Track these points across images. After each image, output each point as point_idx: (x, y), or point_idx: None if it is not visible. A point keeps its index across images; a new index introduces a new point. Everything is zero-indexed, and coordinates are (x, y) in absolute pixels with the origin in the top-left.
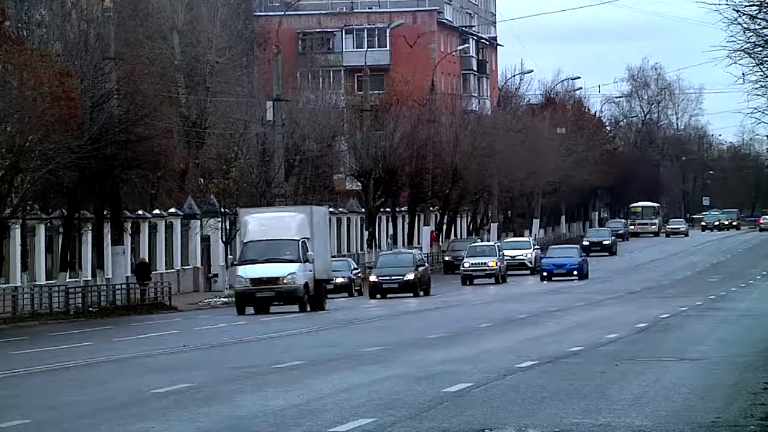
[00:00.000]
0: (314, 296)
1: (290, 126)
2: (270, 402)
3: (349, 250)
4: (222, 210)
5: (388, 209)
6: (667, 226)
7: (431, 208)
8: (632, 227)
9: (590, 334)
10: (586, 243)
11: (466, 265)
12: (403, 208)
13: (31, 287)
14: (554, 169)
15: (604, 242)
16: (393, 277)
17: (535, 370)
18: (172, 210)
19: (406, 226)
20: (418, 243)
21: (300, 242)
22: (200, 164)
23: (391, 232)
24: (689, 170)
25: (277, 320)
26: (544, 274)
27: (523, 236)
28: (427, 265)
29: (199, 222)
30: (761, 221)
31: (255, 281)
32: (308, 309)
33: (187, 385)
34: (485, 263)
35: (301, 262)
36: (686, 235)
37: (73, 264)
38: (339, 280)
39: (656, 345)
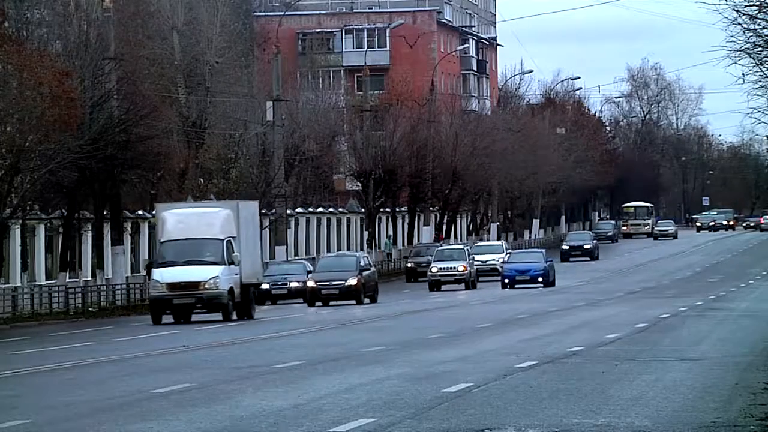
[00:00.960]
0: (241, 303)
1: (290, 126)
2: (269, 402)
3: (349, 251)
4: None
5: (387, 209)
6: (655, 228)
7: (431, 208)
8: (624, 228)
9: (590, 334)
10: (565, 247)
11: (434, 269)
12: (402, 208)
13: (31, 287)
14: (554, 169)
15: (584, 246)
16: (333, 283)
17: (535, 370)
18: None
19: (406, 226)
20: (419, 243)
21: (224, 242)
22: (200, 164)
23: (390, 232)
24: (689, 170)
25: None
26: (506, 281)
27: (522, 237)
28: (374, 268)
29: None
30: (762, 221)
31: (172, 286)
32: (234, 317)
33: (187, 385)
34: (454, 268)
35: (225, 264)
36: (675, 237)
37: (73, 264)
38: (293, 284)
39: (656, 345)
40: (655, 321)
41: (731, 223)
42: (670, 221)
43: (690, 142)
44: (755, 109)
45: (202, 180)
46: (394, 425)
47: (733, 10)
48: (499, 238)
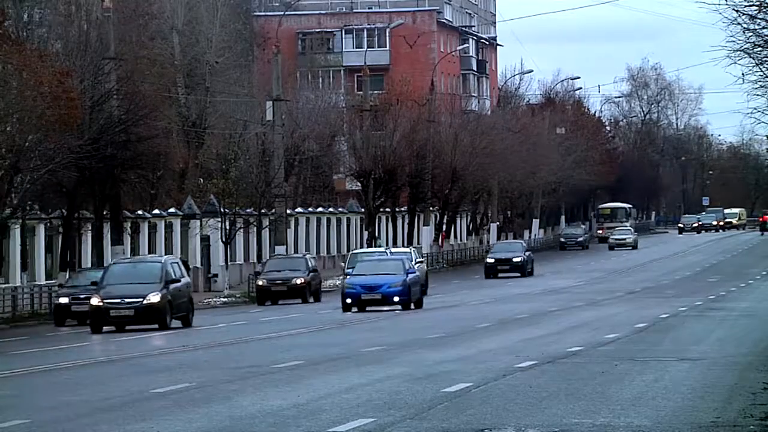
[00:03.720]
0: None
1: (290, 126)
2: (269, 402)
3: (348, 251)
4: (222, 210)
5: (387, 209)
6: (611, 237)
7: (431, 208)
8: (600, 231)
9: (590, 334)
10: (490, 261)
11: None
12: (402, 208)
13: (31, 287)
14: (554, 169)
15: (513, 259)
16: (126, 301)
17: (534, 370)
18: (172, 210)
19: (406, 226)
20: (419, 243)
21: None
22: (200, 164)
23: (377, 233)
24: (689, 170)
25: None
26: (348, 301)
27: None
28: (187, 279)
29: (198, 222)
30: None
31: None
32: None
33: (187, 385)
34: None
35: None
36: (634, 247)
37: (72, 264)
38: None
39: (656, 345)
40: (654, 321)
41: (721, 223)
42: (628, 228)
43: (690, 141)
44: (755, 109)
45: (202, 180)
46: (393, 425)
47: (733, 10)
48: (498, 238)
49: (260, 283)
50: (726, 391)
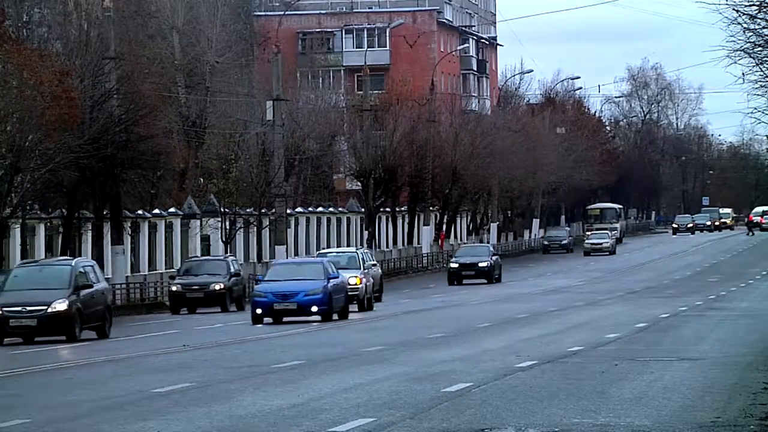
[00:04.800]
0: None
1: (290, 126)
2: (269, 401)
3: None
4: (222, 210)
5: (387, 209)
6: (586, 241)
7: (431, 208)
8: (589, 233)
9: (590, 334)
10: (453, 266)
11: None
12: (402, 208)
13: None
14: (554, 168)
15: (479, 264)
16: (28, 309)
17: (534, 370)
18: (172, 210)
19: (406, 226)
20: (419, 243)
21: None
22: (200, 164)
23: (365, 233)
24: (689, 170)
25: (194, 331)
26: (257, 312)
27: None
28: (105, 284)
29: (199, 222)
30: (762, 220)
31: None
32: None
33: (187, 385)
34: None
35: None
36: (612, 252)
37: None
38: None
39: (656, 345)
40: (655, 321)
41: (716, 223)
42: (605, 232)
43: (690, 141)
44: (755, 108)
45: (202, 180)
46: (393, 425)
47: (733, 9)
48: (499, 239)
49: (174, 288)
50: (726, 391)
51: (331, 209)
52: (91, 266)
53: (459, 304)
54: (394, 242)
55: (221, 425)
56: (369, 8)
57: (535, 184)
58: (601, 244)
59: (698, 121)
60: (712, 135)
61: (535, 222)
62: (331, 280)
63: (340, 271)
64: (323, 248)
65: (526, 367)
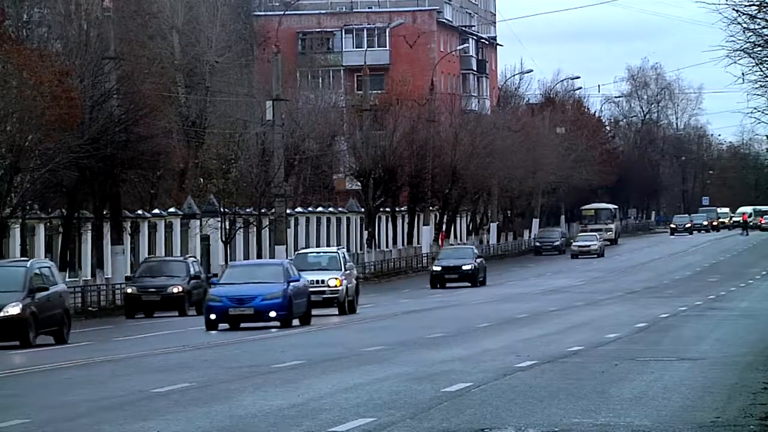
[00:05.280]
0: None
1: (290, 126)
2: (269, 401)
3: (349, 251)
4: (222, 210)
5: (387, 209)
6: (573, 243)
7: (431, 208)
8: (583, 234)
9: (590, 334)
10: (436, 269)
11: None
12: (402, 208)
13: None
14: (554, 168)
15: (463, 267)
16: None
17: (534, 370)
18: (172, 210)
19: (406, 225)
20: (418, 243)
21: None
22: (200, 164)
23: (365, 233)
24: (689, 170)
25: (193, 332)
26: (211, 317)
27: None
28: (62, 286)
29: (198, 222)
30: (762, 220)
31: None
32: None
33: (187, 385)
34: (321, 281)
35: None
36: (600, 255)
37: (72, 264)
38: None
39: (656, 345)
40: (655, 321)
41: (714, 223)
42: (593, 234)
43: (690, 141)
44: (755, 108)
45: (201, 179)
46: (393, 425)
47: (733, 9)
48: (499, 239)
49: (129, 290)
50: (726, 391)
51: (331, 209)
52: (48, 267)
53: (459, 304)
54: (394, 242)
55: (221, 425)
56: (369, 8)
57: (535, 184)
58: (588, 246)
59: (698, 121)
60: (712, 135)
61: (535, 222)
62: (291, 284)
63: (320, 272)
64: (322, 248)
65: (526, 367)
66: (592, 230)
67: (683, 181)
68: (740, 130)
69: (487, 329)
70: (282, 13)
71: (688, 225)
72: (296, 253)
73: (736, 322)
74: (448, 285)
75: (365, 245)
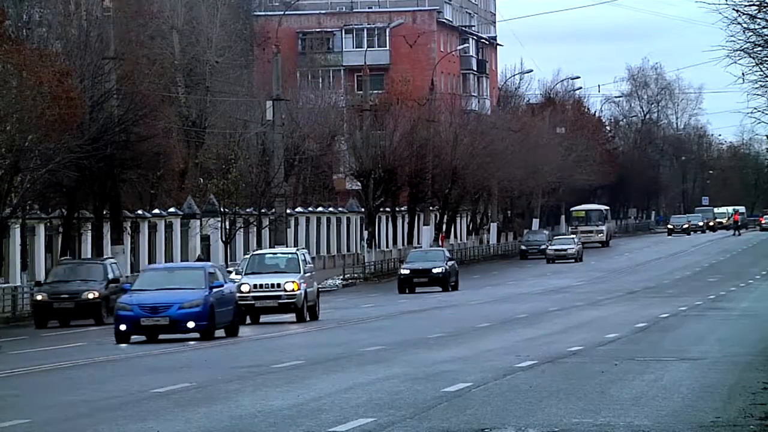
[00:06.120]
0: None
1: (290, 126)
2: (269, 402)
3: (348, 251)
4: (222, 210)
5: (387, 209)
6: (549, 247)
7: (431, 208)
8: (559, 237)
9: (590, 334)
10: (404, 272)
11: (244, 289)
12: (402, 208)
13: (30, 287)
14: (554, 168)
15: (433, 270)
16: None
17: (534, 370)
18: (172, 210)
19: (406, 225)
20: (419, 243)
21: None
22: (200, 164)
23: (365, 233)
24: (689, 170)
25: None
26: (122, 328)
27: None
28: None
29: (198, 222)
30: (762, 220)
31: None
32: None
33: (187, 385)
34: (276, 285)
35: None
36: (578, 260)
37: None
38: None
39: (656, 345)
40: (655, 321)
41: (711, 224)
42: (570, 237)
43: (690, 141)
44: (755, 108)
45: (201, 179)
46: (393, 425)
47: (733, 9)
48: (499, 239)
49: (39, 297)
50: (726, 391)
51: (331, 209)
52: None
53: (458, 304)
54: (394, 242)
55: (221, 425)
56: (369, 8)
57: (535, 184)
58: (565, 250)
59: (698, 120)
60: (712, 135)
61: (535, 222)
62: (214, 290)
63: (276, 275)
64: (324, 248)
65: (526, 367)
66: (582, 232)
67: (683, 181)
68: (740, 130)
69: (487, 329)
70: (282, 13)
71: (686, 225)
72: (251, 253)
73: (736, 322)
74: (417, 290)
75: (365, 245)
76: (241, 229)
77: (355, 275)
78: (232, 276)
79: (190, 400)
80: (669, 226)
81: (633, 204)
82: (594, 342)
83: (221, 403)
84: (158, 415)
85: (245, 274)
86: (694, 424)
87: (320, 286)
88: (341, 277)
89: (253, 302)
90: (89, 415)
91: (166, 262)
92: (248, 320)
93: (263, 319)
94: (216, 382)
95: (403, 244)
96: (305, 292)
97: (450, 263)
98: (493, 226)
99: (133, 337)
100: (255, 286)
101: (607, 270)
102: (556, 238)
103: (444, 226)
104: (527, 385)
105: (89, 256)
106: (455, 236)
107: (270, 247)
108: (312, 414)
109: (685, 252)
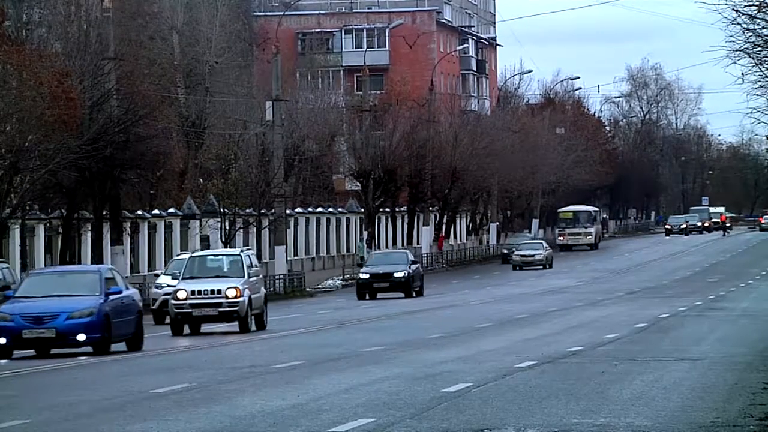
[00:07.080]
0: None
1: (290, 126)
2: (269, 402)
3: (348, 251)
4: (221, 210)
5: (387, 209)
6: (515, 252)
7: (430, 209)
8: (561, 238)
9: (590, 334)
10: (364, 276)
11: (180, 296)
12: (402, 209)
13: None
14: (553, 169)
15: (395, 275)
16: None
17: (534, 370)
18: (172, 210)
19: (406, 226)
20: (418, 243)
21: None
22: (199, 164)
23: (364, 234)
24: (688, 170)
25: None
26: (2, 342)
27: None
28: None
29: (198, 222)
30: (762, 220)
31: None
32: None
33: (187, 385)
34: (217, 291)
35: None
36: (548, 266)
37: (72, 264)
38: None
39: (656, 345)
40: (654, 321)
41: (707, 224)
42: (540, 242)
43: (689, 141)
44: (755, 109)
45: (201, 180)
46: (393, 425)
47: (733, 9)
48: (498, 239)
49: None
50: (726, 391)
51: (330, 209)
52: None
53: (458, 304)
54: (394, 242)
55: (221, 425)
56: (368, 8)
57: (535, 184)
58: (532, 256)
59: (698, 121)
60: (712, 135)
61: (535, 222)
62: (111, 297)
63: (216, 280)
64: (323, 249)
65: (525, 367)
66: (570, 234)
67: (683, 182)
68: (740, 130)
69: (487, 329)
70: (282, 13)
71: (684, 226)
72: (190, 255)
73: (736, 322)
74: (379, 296)
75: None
76: (241, 230)
77: (355, 276)
78: (168, 280)
79: (190, 401)
80: (666, 227)
81: (633, 204)
82: (594, 342)
83: (221, 404)
84: (158, 416)
85: (182, 279)
86: (694, 425)
87: (320, 286)
88: (341, 277)
89: (190, 310)
90: (89, 415)
91: (165, 262)
92: (187, 330)
93: (204, 328)
94: (216, 382)
95: (402, 245)
96: (250, 298)
97: (414, 266)
98: (493, 227)
99: (17, 351)
100: (193, 292)
101: (606, 270)
102: (522, 243)
103: (444, 227)
104: (527, 385)
105: (89, 256)
106: (455, 237)
107: (270, 248)
108: (312, 414)
109: (685, 252)
